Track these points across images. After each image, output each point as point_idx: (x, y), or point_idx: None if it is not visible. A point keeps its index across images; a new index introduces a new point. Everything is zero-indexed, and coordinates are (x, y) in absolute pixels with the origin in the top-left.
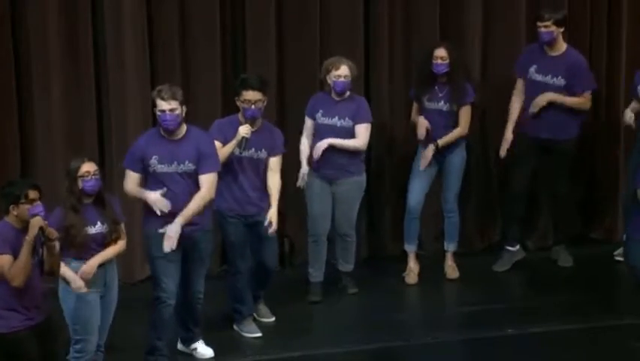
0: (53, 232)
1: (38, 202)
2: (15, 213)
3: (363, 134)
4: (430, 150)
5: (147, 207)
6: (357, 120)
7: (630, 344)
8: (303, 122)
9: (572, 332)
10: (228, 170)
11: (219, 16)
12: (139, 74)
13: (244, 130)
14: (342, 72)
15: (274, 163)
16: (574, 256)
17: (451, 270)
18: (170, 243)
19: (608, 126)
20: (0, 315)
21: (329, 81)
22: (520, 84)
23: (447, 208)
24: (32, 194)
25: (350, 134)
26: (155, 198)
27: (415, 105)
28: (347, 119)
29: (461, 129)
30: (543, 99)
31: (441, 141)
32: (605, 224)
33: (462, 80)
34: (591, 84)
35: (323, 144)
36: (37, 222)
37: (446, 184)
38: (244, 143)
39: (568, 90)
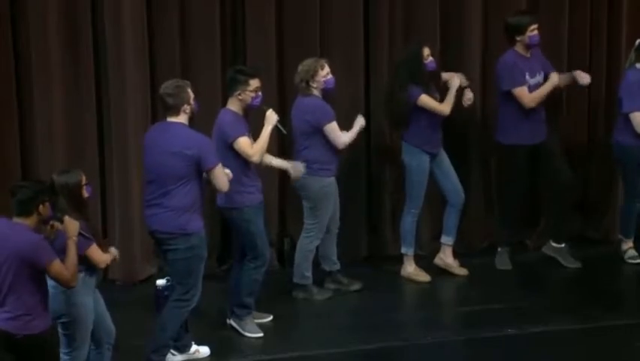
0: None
1: None
2: (43, 214)
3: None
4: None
5: (192, 209)
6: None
7: (631, 344)
8: None
9: (572, 332)
10: (246, 162)
11: (219, 16)
12: (139, 74)
13: (275, 116)
14: (328, 70)
15: None
16: (573, 256)
17: (459, 268)
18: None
19: (606, 126)
20: (37, 316)
21: (314, 84)
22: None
23: (460, 202)
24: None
25: None
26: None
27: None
28: None
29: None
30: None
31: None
32: (603, 224)
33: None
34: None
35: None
36: (74, 224)
37: (450, 180)
38: (282, 126)
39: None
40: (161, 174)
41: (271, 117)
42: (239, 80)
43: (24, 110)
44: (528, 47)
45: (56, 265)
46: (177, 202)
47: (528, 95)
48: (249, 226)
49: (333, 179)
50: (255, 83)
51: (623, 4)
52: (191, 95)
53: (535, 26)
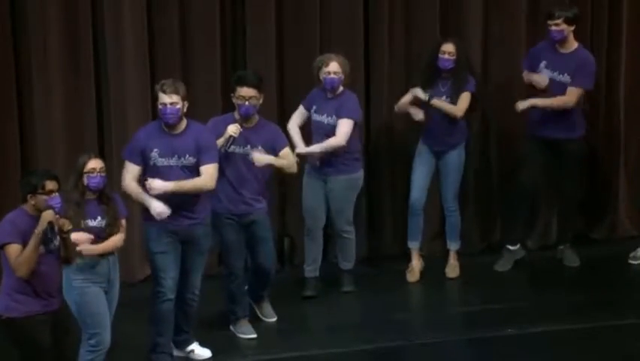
0: (66, 224)
1: (56, 194)
2: (32, 202)
3: (341, 129)
4: (421, 93)
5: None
6: (339, 116)
7: (631, 344)
8: None
9: (572, 332)
10: (222, 168)
11: (219, 16)
12: (139, 74)
13: (232, 129)
14: (331, 69)
15: (285, 155)
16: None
17: (452, 269)
18: (156, 186)
19: (608, 125)
20: (14, 299)
21: (320, 78)
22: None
23: (447, 207)
24: (50, 185)
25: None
26: (156, 204)
27: (409, 95)
28: (333, 116)
29: (456, 109)
30: (526, 103)
31: (435, 101)
32: (605, 224)
33: (465, 74)
34: (587, 83)
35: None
36: (47, 216)
37: (444, 184)
38: (230, 141)
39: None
40: None
41: (226, 130)
42: (231, 83)
43: (24, 110)
44: (550, 39)
45: (9, 250)
46: None
47: (529, 79)
48: (217, 233)
49: (308, 170)
50: (241, 91)
51: (623, 3)
52: (162, 97)
53: (553, 22)
